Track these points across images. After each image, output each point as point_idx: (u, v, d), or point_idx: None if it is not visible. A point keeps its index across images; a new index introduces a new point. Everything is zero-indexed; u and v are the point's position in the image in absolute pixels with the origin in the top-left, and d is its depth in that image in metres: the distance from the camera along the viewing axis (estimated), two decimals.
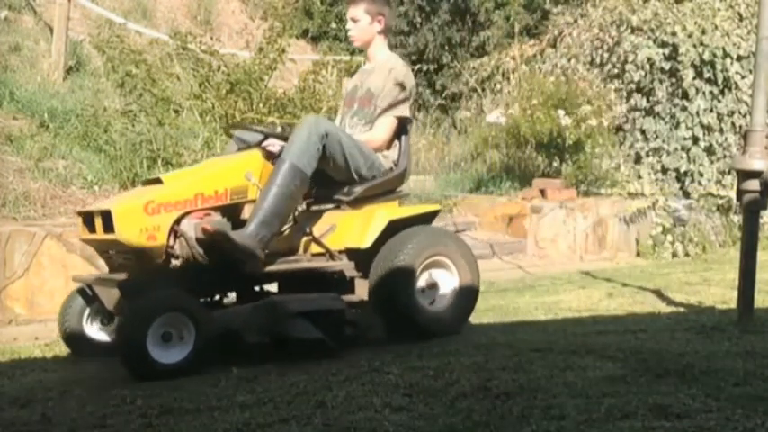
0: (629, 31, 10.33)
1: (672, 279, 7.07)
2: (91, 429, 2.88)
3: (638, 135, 10.12)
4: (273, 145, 4.17)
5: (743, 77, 10.01)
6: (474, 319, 5.18)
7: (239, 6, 13.35)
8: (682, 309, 5.47)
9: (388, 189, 4.42)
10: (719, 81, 10.01)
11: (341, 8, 13.17)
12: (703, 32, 10.05)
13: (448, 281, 4.35)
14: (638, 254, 9.10)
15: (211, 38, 8.58)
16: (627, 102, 10.12)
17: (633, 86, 10.13)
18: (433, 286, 4.32)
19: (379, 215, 4.26)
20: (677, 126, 9.98)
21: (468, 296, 4.42)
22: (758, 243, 4.68)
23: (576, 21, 11.23)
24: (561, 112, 8.99)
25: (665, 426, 2.58)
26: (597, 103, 9.35)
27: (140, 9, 11.60)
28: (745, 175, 4.50)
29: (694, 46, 9.92)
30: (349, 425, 2.70)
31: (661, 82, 10.05)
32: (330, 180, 4.28)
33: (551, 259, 8.59)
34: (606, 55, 10.46)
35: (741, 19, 10.60)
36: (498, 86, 11.36)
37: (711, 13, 10.42)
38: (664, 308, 5.54)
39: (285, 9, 8.70)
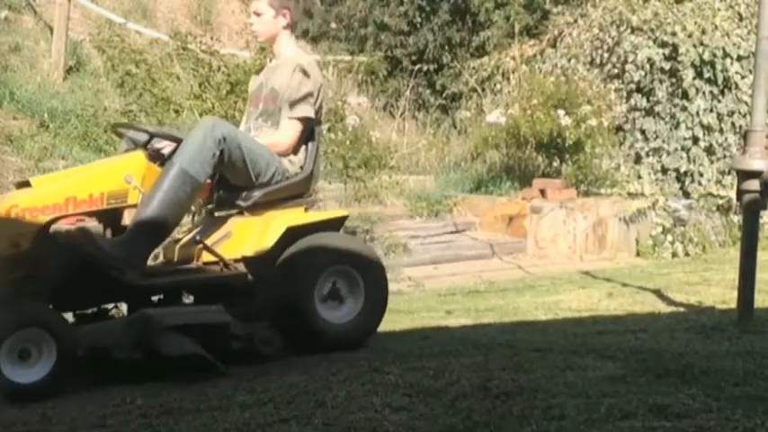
0: (629, 31, 10.32)
1: (672, 279, 7.07)
2: (91, 429, 2.88)
3: (638, 135, 10.11)
4: (166, 146, 3.93)
5: (743, 77, 10.00)
6: (474, 319, 5.18)
7: (239, 6, 13.33)
8: (682, 309, 5.47)
9: (292, 194, 4.16)
10: (719, 81, 10.00)
11: (341, 8, 13.17)
12: (703, 32, 10.04)
13: (353, 291, 4.09)
14: (638, 254, 9.10)
15: (211, 38, 8.58)
16: (627, 102, 10.11)
17: (633, 86, 10.12)
18: (336, 297, 4.07)
19: (277, 222, 4.00)
20: (677, 126, 9.98)
21: (374, 307, 4.14)
22: (758, 243, 4.68)
23: (576, 21, 11.22)
24: (561, 112, 8.98)
25: (665, 426, 2.58)
26: (597, 103, 9.35)
27: (140, 9, 11.60)
28: (745, 175, 4.50)
29: (694, 46, 9.92)
30: (349, 425, 2.71)
31: (661, 82, 10.05)
32: (232, 184, 4.07)
33: (551, 259, 8.59)
34: (606, 55, 10.45)
35: (741, 19, 10.59)
36: (498, 86, 11.35)
37: (711, 13, 10.41)
38: (664, 308, 5.54)
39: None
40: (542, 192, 8.96)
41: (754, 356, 3.59)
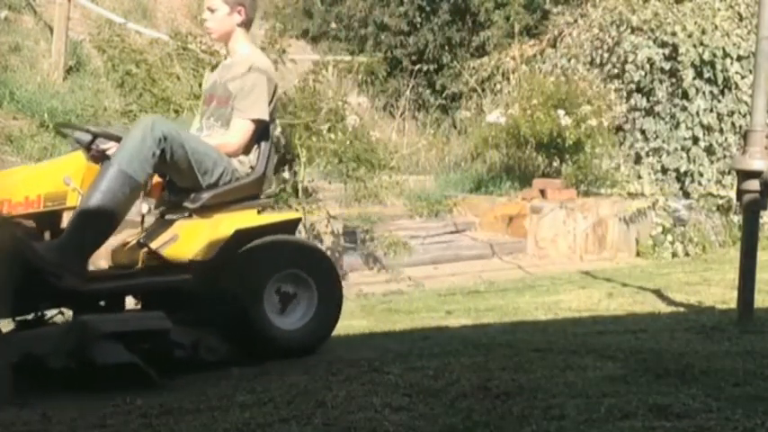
0: (629, 31, 10.32)
1: (672, 279, 7.07)
2: (91, 429, 2.88)
3: (638, 135, 10.11)
4: (111, 147, 3.79)
5: (743, 77, 10.00)
6: (474, 319, 5.19)
7: None
8: (682, 309, 5.47)
9: (244, 196, 4.04)
10: (719, 81, 10.00)
11: (341, 8, 13.17)
12: (703, 32, 10.04)
13: (305, 296, 4.01)
14: (638, 254, 9.10)
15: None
16: (627, 102, 10.11)
17: (633, 86, 10.12)
18: (287, 302, 3.97)
19: (225, 225, 3.88)
20: (677, 126, 9.98)
21: (327, 313, 4.06)
22: (758, 243, 4.69)
23: (576, 21, 11.22)
24: (561, 112, 8.98)
25: (665, 426, 2.58)
26: (597, 103, 9.34)
27: (140, 9, 11.60)
28: (745, 175, 4.51)
29: (694, 46, 9.91)
30: (349, 425, 2.71)
31: (661, 82, 10.05)
32: (180, 186, 3.96)
33: (551, 259, 8.59)
34: (606, 55, 10.45)
35: (741, 19, 10.59)
36: (498, 86, 11.34)
37: (711, 13, 10.41)
38: (664, 308, 5.54)
39: (285, 9, 8.69)
40: (542, 192, 8.96)
41: (754, 356, 3.59)
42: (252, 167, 4.07)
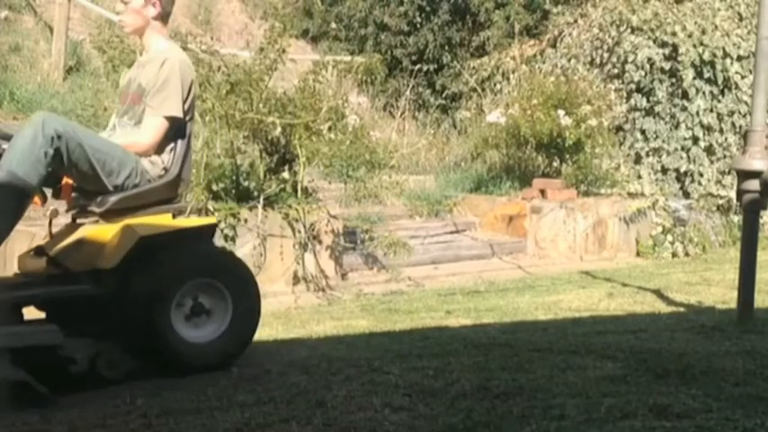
0: (629, 31, 10.33)
1: (672, 279, 7.07)
2: (91, 429, 2.88)
3: (638, 135, 10.12)
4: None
5: (743, 77, 10.01)
6: (474, 319, 5.18)
7: (239, 6, 13.35)
8: (682, 309, 5.47)
9: (156, 199, 3.78)
10: (719, 81, 10.01)
11: (341, 8, 13.17)
12: (703, 32, 10.05)
13: (218, 307, 3.76)
14: (638, 254, 9.10)
15: (211, 38, 8.56)
16: (627, 102, 10.12)
17: (633, 86, 10.13)
18: (198, 313, 3.72)
19: (131, 231, 3.60)
20: (677, 126, 9.98)
21: (243, 325, 3.81)
22: (758, 243, 4.69)
23: (576, 21, 11.23)
24: (561, 112, 8.98)
25: (665, 426, 2.58)
26: (597, 103, 9.35)
27: None
28: (745, 175, 4.51)
29: (694, 46, 9.92)
30: (349, 425, 2.71)
31: (661, 82, 10.05)
32: (88, 189, 3.69)
33: (551, 259, 8.59)
34: (606, 55, 10.46)
35: (741, 19, 10.60)
36: (498, 86, 11.36)
37: (711, 13, 10.42)
38: (664, 308, 5.54)
39: (285, 9, 8.68)
40: (542, 192, 8.96)
41: (754, 356, 3.59)
42: (165, 169, 3.79)
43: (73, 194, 3.74)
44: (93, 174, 3.57)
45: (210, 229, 3.99)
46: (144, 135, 3.76)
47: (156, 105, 3.75)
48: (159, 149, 3.79)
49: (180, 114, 3.80)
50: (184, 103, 3.81)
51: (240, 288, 3.81)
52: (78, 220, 3.85)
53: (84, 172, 3.56)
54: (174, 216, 3.84)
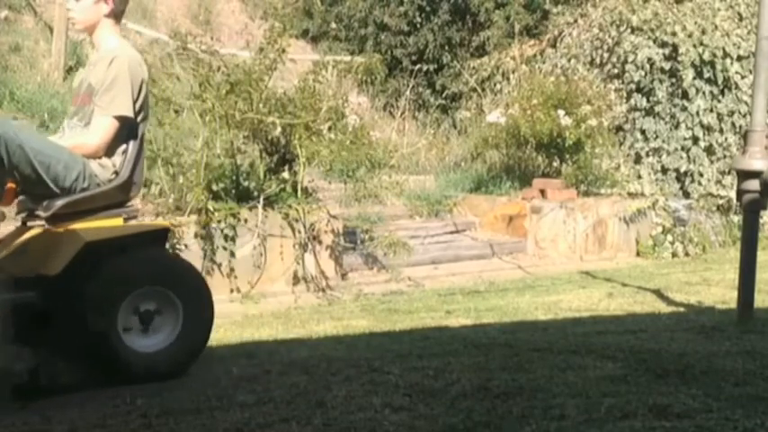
0: (629, 31, 10.33)
1: (672, 279, 7.07)
2: (91, 429, 2.88)
3: (638, 135, 10.12)
4: None
5: (743, 77, 10.01)
6: (474, 319, 5.18)
7: (239, 6, 13.35)
8: (682, 309, 5.47)
9: (107, 203, 3.64)
10: (719, 81, 10.01)
11: (341, 8, 13.17)
12: (703, 32, 10.05)
13: (168, 315, 3.64)
14: (638, 254, 9.10)
15: (211, 38, 8.56)
16: (627, 102, 10.12)
17: (633, 86, 10.13)
18: (147, 322, 3.60)
19: (77, 236, 3.47)
20: (677, 126, 9.99)
21: (194, 333, 3.69)
22: (758, 243, 4.69)
23: (576, 21, 11.23)
24: (561, 112, 8.98)
25: (665, 426, 2.58)
26: (597, 103, 9.35)
27: (140, 9, 11.60)
28: (745, 175, 4.51)
29: (694, 46, 9.92)
30: (349, 425, 2.71)
31: (661, 82, 10.05)
32: (34, 192, 3.58)
33: (551, 259, 8.59)
34: (606, 55, 10.46)
35: (741, 19, 10.60)
36: (498, 86, 11.36)
37: (711, 13, 10.42)
38: (664, 308, 5.55)
39: (285, 9, 8.69)
40: (542, 192, 8.96)
41: (754, 356, 3.59)
42: (116, 172, 3.66)
43: (19, 198, 3.64)
44: (37, 177, 3.45)
45: (163, 234, 3.85)
46: (92, 136, 3.63)
47: (104, 105, 3.63)
48: (110, 151, 3.65)
49: (130, 114, 3.66)
50: (135, 102, 3.68)
51: (191, 296, 3.69)
52: (29, 224, 3.74)
53: (27, 175, 3.45)
54: (126, 220, 3.72)
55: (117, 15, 3.84)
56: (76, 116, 3.75)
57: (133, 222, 3.82)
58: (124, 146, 3.69)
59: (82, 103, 3.74)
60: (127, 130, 3.68)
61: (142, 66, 3.79)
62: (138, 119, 3.73)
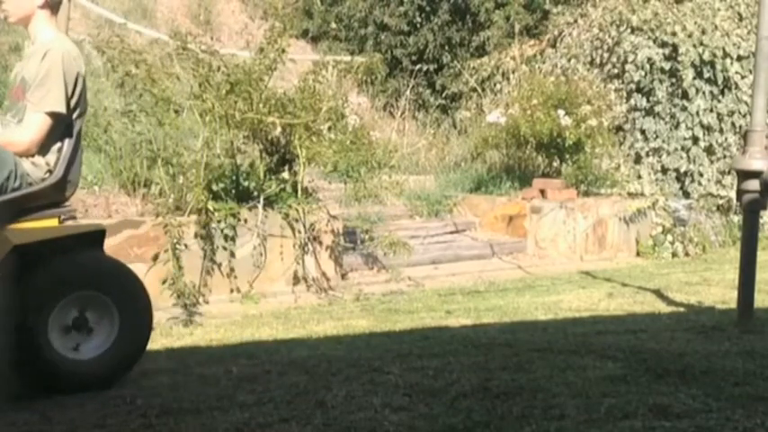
0: (629, 31, 10.33)
1: (672, 279, 7.07)
2: (91, 429, 2.88)
3: (638, 135, 10.12)
4: None
5: (743, 77, 10.01)
6: (474, 319, 5.18)
7: (239, 6, 13.34)
8: (682, 309, 5.47)
9: (40, 203, 3.48)
10: (719, 81, 10.01)
11: (341, 8, 13.17)
12: (703, 32, 10.05)
13: (103, 322, 3.50)
14: (638, 254, 9.10)
15: (211, 38, 8.58)
16: (627, 102, 10.12)
17: (633, 86, 10.13)
18: (80, 328, 3.46)
19: (4, 238, 3.33)
20: (677, 126, 9.99)
21: (132, 339, 3.55)
22: (758, 243, 4.69)
23: (576, 21, 11.22)
24: (561, 112, 8.99)
25: (665, 426, 2.58)
26: (597, 103, 9.35)
27: (140, 9, 11.61)
28: (745, 175, 4.51)
29: (694, 46, 9.92)
30: (349, 425, 2.71)
31: (661, 82, 10.05)
32: None
33: (551, 259, 8.59)
34: (606, 55, 10.46)
35: (741, 19, 10.60)
36: (498, 86, 11.36)
37: (711, 13, 10.42)
38: (664, 308, 5.54)
39: (285, 9, 8.68)
40: (542, 192, 8.96)
41: (754, 356, 3.59)
42: (50, 171, 3.50)
43: None
44: None
45: (100, 235, 3.68)
46: (23, 133, 3.47)
47: (36, 101, 3.47)
48: (43, 149, 3.51)
49: (63, 110, 3.50)
50: (70, 98, 3.54)
51: (128, 301, 3.55)
52: None
53: None
54: (62, 221, 3.55)
55: (52, 6, 3.71)
56: (10, 112, 3.61)
57: (69, 223, 3.64)
58: (59, 144, 3.54)
59: (16, 98, 3.60)
60: (61, 127, 3.53)
61: (78, 59, 3.64)
62: (74, 115, 3.58)
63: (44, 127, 3.48)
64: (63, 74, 3.51)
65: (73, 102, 3.56)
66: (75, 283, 3.46)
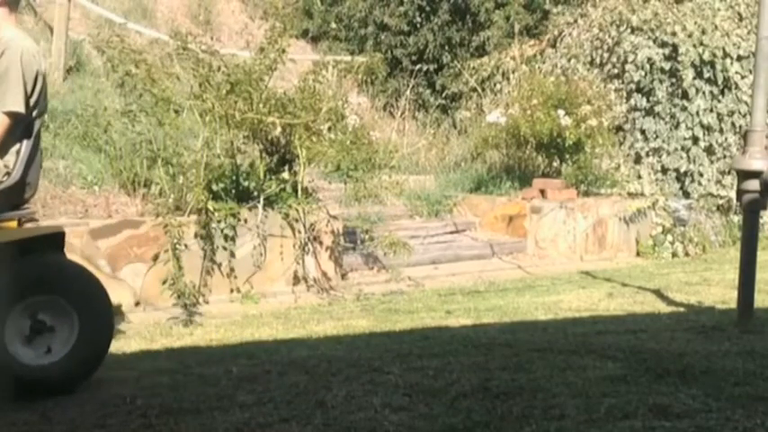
0: (629, 31, 10.33)
1: (672, 279, 7.07)
2: (91, 429, 2.88)
3: (638, 135, 10.12)
4: None
5: (743, 77, 10.01)
6: (474, 319, 5.18)
7: (239, 6, 13.34)
8: (682, 309, 5.47)
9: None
10: (719, 81, 10.01)
11: (341, 8, 13.17)
12: (703, 32, 10.05)
13: (62, 326, 3.43)
14: (638, 254, 9.10)
15: (211, 38, 8.58)
16: (627, 102, 10.12)
17: (633, 86, 10.13)
18: (39, 332, 3.40)
19: None
20: (677, 126, 9.99)
21: (92, 345, 3.46)
22: (758, 243, 4.69)
23: (576, 21, 11.23)
24: (561, 112, 8.99)
25: (665, 426, 2.58)
26: (597, 103, 9.35)
27: (140, 9, 11.60)
28: (745, 175, 4.51)
29: (694, 46, 9.92)
30: (349, 425, 2.71)
31: (661, 82, 10.05)
32: None
33: (551, 259, 8.59)
34: (606, 55, 10.46)
35: (741, 19, 10.60)
36: (498, 86, 11.36)
37: (711, 13, 10.42)
38: (664, 308, 5.54)
39: (285, 9, 8.68)
40: (542, 192, 8.96)
41: (754, 356, 3.59)
42: (8, 173, 3.43)
43: None
44: None
45: (59, 238, 3.60)
46: None
47: None
48: (1, 151, 3.43)
49: (21, 110, 3.42)
50: (29, 97, 3.46)
51: (88, 304, 3.47)
52: None
53: None
54: (21, 223, 3.49)
55: (11, 4, 3.64)
56: None
57: (28, 226, 3.58)
58: (18, 145, 3.46)
59: None
60: (20, 127, 3.45)
61: (37, 57, 3.56)
62: (33, 114, 3.51)
63: (2, 128, 3.40)
64: (22, 72, 3.43)
65: (32, 101, 3.49)
66: (32, 286, 3.38)
